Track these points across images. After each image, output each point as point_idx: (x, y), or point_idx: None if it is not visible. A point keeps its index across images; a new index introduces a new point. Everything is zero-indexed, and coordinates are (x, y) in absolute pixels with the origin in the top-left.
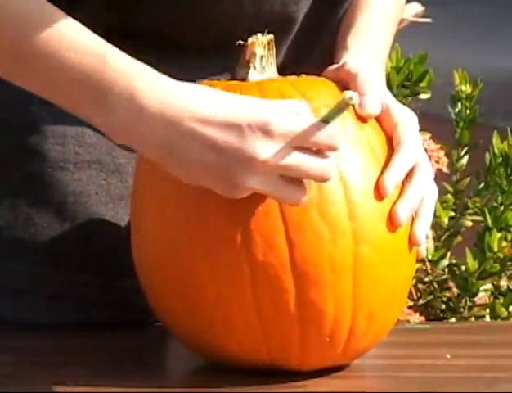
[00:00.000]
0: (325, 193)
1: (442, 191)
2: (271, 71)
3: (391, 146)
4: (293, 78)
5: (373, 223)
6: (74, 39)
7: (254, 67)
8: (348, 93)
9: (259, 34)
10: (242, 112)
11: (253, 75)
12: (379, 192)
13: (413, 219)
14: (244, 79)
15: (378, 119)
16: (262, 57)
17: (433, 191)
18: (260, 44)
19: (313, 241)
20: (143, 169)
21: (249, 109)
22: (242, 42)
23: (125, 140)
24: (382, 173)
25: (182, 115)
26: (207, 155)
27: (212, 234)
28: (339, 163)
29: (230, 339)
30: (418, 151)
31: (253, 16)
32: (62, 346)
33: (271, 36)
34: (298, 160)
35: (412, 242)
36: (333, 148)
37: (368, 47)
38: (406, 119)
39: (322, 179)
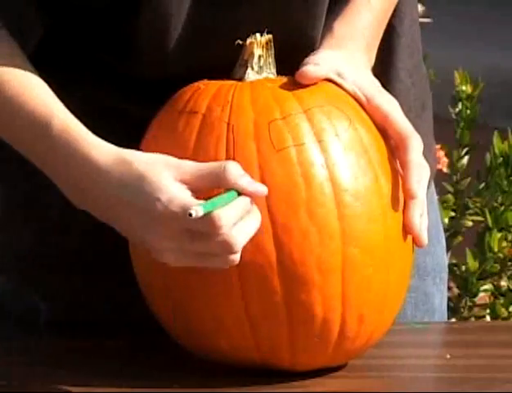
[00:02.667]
0: (314, 194)
1: (443, 192)
2: (270, 71)
3: (386, 146)
4: (288, 78)
5: (363, 224)
6: (24, 95)
7: (252, 67)
8: (195, 207)
9: (258, 34)
10: (140, 194)
11: (251, 75)
12: (407, 196)
13: (405, 205)
14: (241, 79)
15: (367, 113)
16: (260, 57)
17: (426, 172)
18: (258, 44)
19: (301, 241)
20: None
21: (145, 192)
22: (241, 42)
23: (69, 196)
24: (405, 177)
25: (105, 193)
26: (128, 231)
27: None
28: (329, 163)
29: (220, 339)
30: (417, 135)
31: None
32: (61, 346)
33: (269, 36)
34: (191, 243)
35: (407, 230)
36: (217, 235)
37: (353, 32)
38: (392, 108)
39: (226, 254)
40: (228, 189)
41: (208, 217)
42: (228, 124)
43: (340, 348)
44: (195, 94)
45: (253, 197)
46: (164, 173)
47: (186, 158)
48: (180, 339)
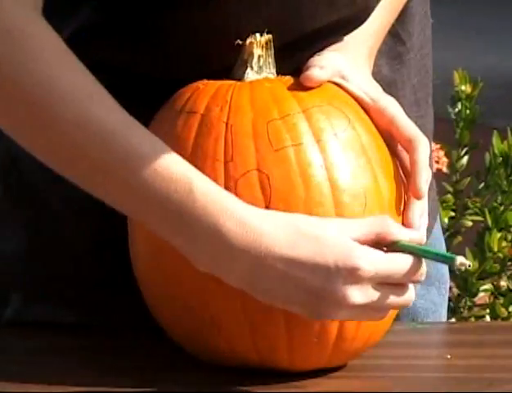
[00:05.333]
0: (312, 194)
1: (442, 192)
2: (269, 71)
3: (384, 146)
4: (287, 78)
5: None
6: (157, 162)
7: (252, 67)
8: (458, 259)
9: (257, 34)
10: (328, 253)
11: (250, 75)
12: (415, 196)
13: (405, 206)
14: (240, 79)
15: (369, 114)
16: (259, 57)
17: (429, 174)
18: (258, 44)
19: None
20: None
21: (336, 250)
22: (240, 42)
23: (206, 267)
24: (414, 177)
25: (267, 255)
26: (292, 293)
27: None
28: (328, 163)
29: (218, 339)
30: (424, 137)
31: None
32: (60, 346)
33: (269, 36)
34: (385, 296)
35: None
36: (416, 282)
37: (357, 38)
38: (397, 110)
39: (404, 307)
40: (394, 242)
41: (418, 269)
42: (227, 123)
43: (339, 349)
44: (194, 94)
45: None
46: (340, 232)
47: (185, 157)
48: (179, 339)
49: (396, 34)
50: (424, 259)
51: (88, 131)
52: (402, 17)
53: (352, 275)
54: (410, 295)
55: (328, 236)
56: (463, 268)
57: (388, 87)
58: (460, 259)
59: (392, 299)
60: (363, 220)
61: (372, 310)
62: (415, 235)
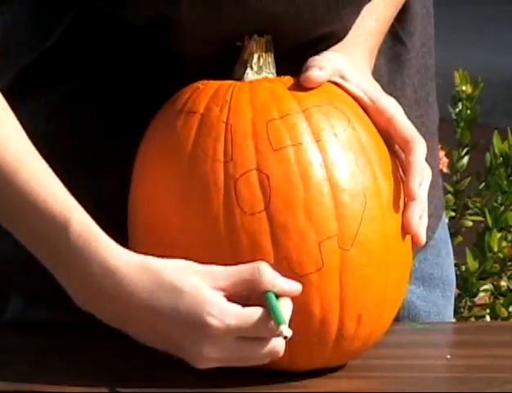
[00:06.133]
0: (312, 193)
1: (443, 192)
2: (269, 71)
3: (384, 146)
4: (287, 78)
5: (361, 224)
6: (39, 197)
7: (251, 67)
8: (281, 328)
9: (257, 35)
10: (182, 308)
11: (250, 75)
12: (408, 197)
13: (405, 205)
14: (240, 79)
15: (368, 114)
16: (259, 57)
17: (427, 174)
18: (258, 44)
19: (298, 241)
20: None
21: (190, 304)
22: (240, 43)
23: (81, 305)
24: (407, 178)
25: (128, 303)
26: (158, 341)
27: (197, 235)
28: (327, 163)
29: None
30: (421, 138)
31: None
32: (58, 346)
33: (269, 36)
34: (243, 350)
35: (406, 228)
36: (277, 336)
37: (357, 38)
38: (396, 111)
39: (271, 359)
40: (266, 291)
41: (271, 322)
42: (226, 123)
43: (339, 348)
44: (193, 94)
45: (289, 296)
46: (201, 283)
47: (185, 157)
48: None
49: (396, 35)
50: (422, 262)
51: None
52: (403, 17)
53: (204, 331)
54: (273, 347)
55: (185, 288)
56: (282, 336)
57: (388, 86)
58: (282, 328)
59: (252, 352)
60: (234, 268)
61: (235, 361)
62: (291, 285)
